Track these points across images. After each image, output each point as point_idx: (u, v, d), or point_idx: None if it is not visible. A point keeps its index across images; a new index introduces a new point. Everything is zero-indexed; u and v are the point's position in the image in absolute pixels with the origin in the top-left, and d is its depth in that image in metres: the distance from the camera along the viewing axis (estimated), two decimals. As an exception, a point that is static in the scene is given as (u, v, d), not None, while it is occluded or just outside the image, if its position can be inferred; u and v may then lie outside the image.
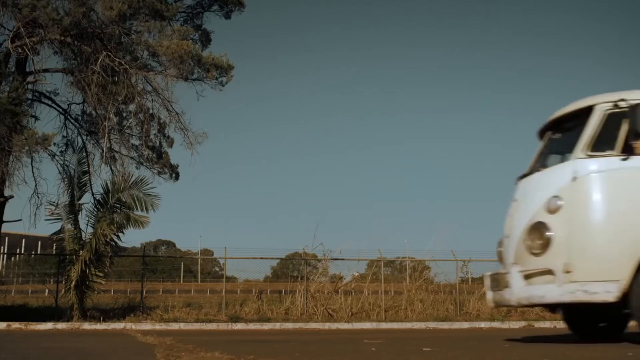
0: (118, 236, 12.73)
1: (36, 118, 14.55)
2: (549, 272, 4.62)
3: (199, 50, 14.93)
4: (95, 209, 13.12)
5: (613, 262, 4.52)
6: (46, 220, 13.40)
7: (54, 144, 14.35)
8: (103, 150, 14.75)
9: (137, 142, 15.42)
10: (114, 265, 15.22)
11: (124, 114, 15.57)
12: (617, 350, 4.56)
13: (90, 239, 12.50)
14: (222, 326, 11.92)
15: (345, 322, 12.75)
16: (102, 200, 13.14)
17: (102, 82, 13.49)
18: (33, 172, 14.19)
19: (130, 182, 13.38)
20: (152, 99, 14.93)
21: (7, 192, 13.65)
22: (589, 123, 4.93)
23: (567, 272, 4.53)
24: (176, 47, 13.77)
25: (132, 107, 15.17)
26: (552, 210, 4.73)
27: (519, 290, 4.77)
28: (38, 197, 14.35)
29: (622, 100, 4.88)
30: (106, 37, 13.70)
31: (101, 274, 12.67)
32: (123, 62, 13.51)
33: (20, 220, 14.25)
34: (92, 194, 13.97)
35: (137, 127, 15.19)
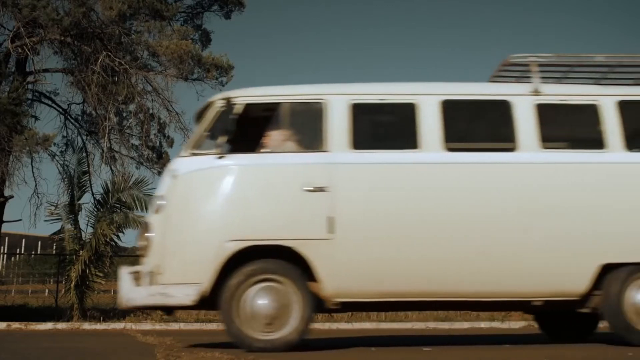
0: (118, 236, 12.73)
1: (36, 118, 14.58)
2: (146, 273, 4.47)
3: (199, 50, 14.94)
4: (95, 209, 13.12)
5: (196, 264, 4.36)
6: (46, 220, 13.44)
7: (54, 144, 14.37)
8: (103, 150, 14.75)
9: (137, 142, 15.41)
10: (114, 265, 15.21)
11: (124, 114, 15.58)
12: (617, 350, 4.56)
13: (90, 239, 12.50)
14: (222, 326, 11.88)
15: (345, 322, 12.74)
16: (102, 200, 13.13)
17: (102, 82, 13.50)
18: (33, 172, 14.21)
19: (130, 182, 13.38)
20: (152, 99, 14.95)
21: (7, 192, 13.66)
22: (202, 120, 4.81)
23: (157, 274, 4.40)
24: (176, 47, 13.78)
25: (132, 107, 15.18)
26: (156, 210, 4.58)
27: (125, 291, 4.54)
28: (38, 197, 14.36)
29: (229, 98, 4.75)
30: (106, 37, 13.70)
31: (101, 274, 12.67)
32: (123, 62, 13.52)
33: (20, 220, 14.27)
34: (92, 194, 13.97)
35: (137, 127, 15.19)
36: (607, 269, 4.60)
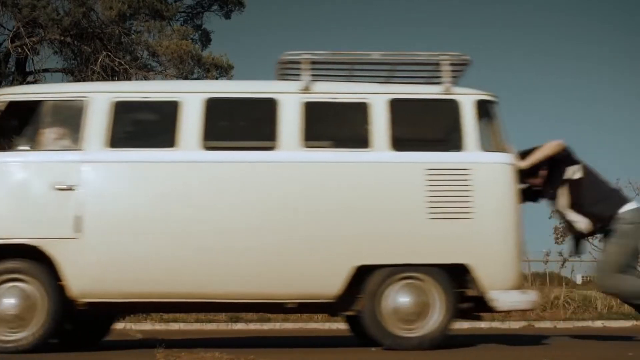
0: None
1: (36, 118, 14.57)
2: None
3: (199, 50, 14.96)
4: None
5: None
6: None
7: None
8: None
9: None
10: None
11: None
12: (616, 350, 4.56)
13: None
14: (222, 326, 11.90)
15: (345, 322, 12.70)
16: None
17: (102, 82, 13.51)
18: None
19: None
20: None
21: (7, 192, 13.64)
22: None
23: None
24: (176, 47, 13.79)
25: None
26: None
27: None
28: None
29: None
30: (106, 37, 13.71)
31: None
32: (123, 62, 13.52)
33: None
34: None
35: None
36: (367, 271, 4.49)
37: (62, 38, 13.26)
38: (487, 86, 4.95)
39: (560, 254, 16.73)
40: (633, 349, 4.65)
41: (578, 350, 4.63)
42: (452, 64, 4.84)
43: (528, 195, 5.22)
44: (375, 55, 4.88)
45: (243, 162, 4.62)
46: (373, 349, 4.75)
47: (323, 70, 4.94)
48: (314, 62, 4.83)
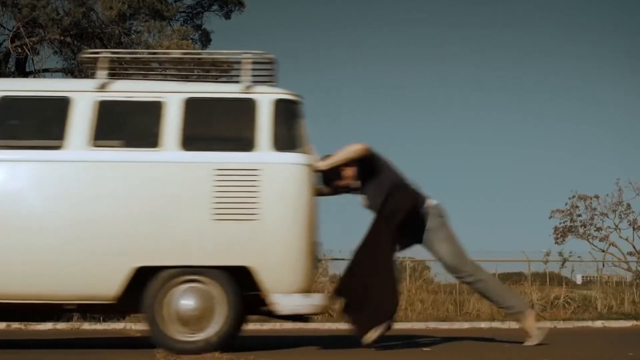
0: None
1: (36, 118, 14.57)
2: None
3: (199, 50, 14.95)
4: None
5: None
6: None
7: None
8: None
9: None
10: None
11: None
12: (616, 350, 4.55)
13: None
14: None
15: (345, 321, 12.69)
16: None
17: None
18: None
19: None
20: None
21: (7, 192, 13.65)
22: None
23: None
24: (176, 47, 13.79)
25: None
26: None
27: None
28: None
29: None
30: (106, 37, 13.72)
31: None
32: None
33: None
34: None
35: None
36: (149, 273, 4.41)
37: (62, 38, 13.28)
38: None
39: (561, 254, 16.76)
40: (633, 349, 4.65)
41: (578, 350, 4.63)
42: (254, 63, 4.84)
43: (336, 190, 5.13)
44: (176, 54, 4.88)
45: (26, 161, 4.57)
46: (373, 348, 4.75)
47: (127, 69, 4.93)
48: (112, 61, 4.82)
